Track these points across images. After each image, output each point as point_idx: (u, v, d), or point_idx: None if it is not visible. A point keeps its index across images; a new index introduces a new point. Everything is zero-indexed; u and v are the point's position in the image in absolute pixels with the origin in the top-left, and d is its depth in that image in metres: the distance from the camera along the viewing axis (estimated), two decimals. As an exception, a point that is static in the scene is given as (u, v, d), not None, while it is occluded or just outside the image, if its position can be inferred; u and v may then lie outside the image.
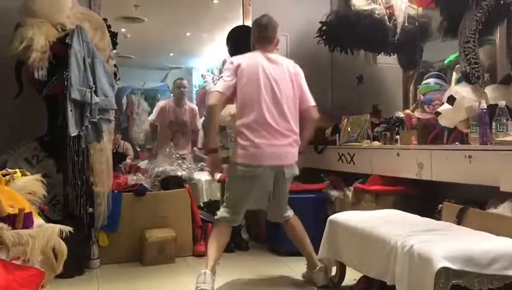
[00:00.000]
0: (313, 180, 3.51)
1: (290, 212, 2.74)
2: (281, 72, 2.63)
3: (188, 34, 5.28)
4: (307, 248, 2.67)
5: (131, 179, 3.43)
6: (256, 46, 2.71)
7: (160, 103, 5.11)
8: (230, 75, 2.57)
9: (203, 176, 4.26)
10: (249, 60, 2.61)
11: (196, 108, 5.21)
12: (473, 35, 2.57)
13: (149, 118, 5.21)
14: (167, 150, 3.81)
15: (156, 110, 5.08)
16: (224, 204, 2.64)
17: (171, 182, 3.46)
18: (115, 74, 3.18)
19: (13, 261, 1.38)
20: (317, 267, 2.60)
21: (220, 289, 2.55)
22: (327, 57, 4.04)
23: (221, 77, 2.61)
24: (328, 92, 4.22)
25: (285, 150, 2.58)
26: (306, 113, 2.75)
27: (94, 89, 2.82)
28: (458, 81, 2.75)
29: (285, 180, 2.62)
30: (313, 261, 2.63)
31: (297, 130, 2.65)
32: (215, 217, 2.64)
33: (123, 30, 4.80)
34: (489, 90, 2.51)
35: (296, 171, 2.67)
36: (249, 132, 2.52)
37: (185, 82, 4.95)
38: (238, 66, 2.57)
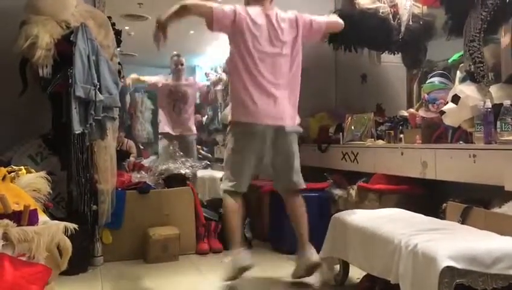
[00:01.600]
0: (316, 179, 3.51)
1: (298, 184, 2.68)
2: (280, 35, 2.62)
3: (191, 32, 5.27)
4: (303, 235, 2.64)
5: (135, 176, 3.44)
6: (251, 1, 2.67)
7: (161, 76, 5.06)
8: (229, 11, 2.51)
9: (206, 174, 4.27)
10: (250, 13, 2.57)
11: (197, 82, 5.24)
12: (478, 34, 2.56)
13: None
14: (171, 147, 3.81)
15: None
16: (224, 174, 2.63)
17: (174, 180, 3.46)
18: (119, 72, 3.18)
19: (19, 258, 1.38)
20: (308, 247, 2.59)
21: (223, 287, 2.55)
22: (331, 55, 4.04)
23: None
24: (332, 90, 4.22)
25: (285, 108, 2.57)
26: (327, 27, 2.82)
27: (98, 86, 2.82)
28: (462, 80, 2.74)
29: (287, 136, 2.59)
30: (303, 241, 2.62)
31: (296, 100, 2.66)
32: (222, 189, 2.63)
33: (127, 28, 4.81)
34: (494, 89, 2.50)
35: (300, 129, 2.67)
36: (246, 90, 2.51)
37: (182, 59, 4.97)
38: (239, 13, 2.53)
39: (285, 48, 2.62)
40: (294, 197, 2.69)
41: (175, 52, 4.99)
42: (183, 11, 2.52)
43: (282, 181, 2.72)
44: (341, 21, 2.87)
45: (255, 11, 2.60)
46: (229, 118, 2.67)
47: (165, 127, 4.87)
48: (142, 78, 5.12)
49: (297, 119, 2.70)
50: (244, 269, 2.46)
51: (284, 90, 2.61)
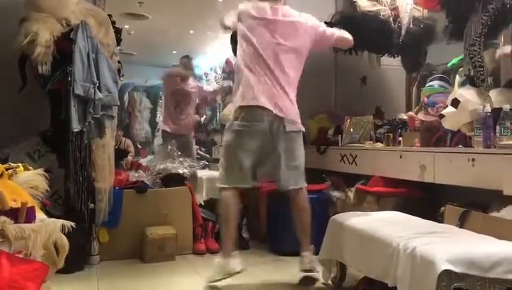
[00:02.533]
0: (314, 181, 3.50)
1: (298, 184, 2.62)
2: (289, 26, 2.65)
3: (191, 32, 5.28)
4: (305, 231, 2.60)
5: (133, 175, 3.43)
6: None
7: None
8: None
9: (204, 174, 4.26)
10: (257, 11, 2.62)
11: (202, 86, 5.23)
12: (478, 38, 2.56)
13: None
14: (169, 147, 3.81)
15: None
16: (221, 169, 2.60)
17: (172, 180, 3.46)
18: (119, 70, 3.18)
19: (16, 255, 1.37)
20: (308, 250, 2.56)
21: (220, 288, 2.54)
22: (331, 57, 4.03)
23: None
24: (331, 92, 4.21)
25: (284, 102, 2.57)
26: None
27: (98, 84, 2.82)
28: (462, 84, 2.75)
29: (287, 134, 2.55)
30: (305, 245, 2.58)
31: (294, 97, 2.65)
32: (219, 186, 2.59)
33: (127, 27, 4.81)
34: (493, 93, 2.50)
35: (302, 127, 2.64)
36: (246, 83, 2.54)
37: (192, 63, 4.96)
38: (243, 12, 2.63)
39: (289, 43, 2.63)
40: (294, 196, 2.64)
41: (186, 55, 4.97)
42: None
43: (279, 181, 2.64)
44: (351, 38, 2.93)
45: (261, 5, 2.64)
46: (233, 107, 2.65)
47: (164, 124, 4.87)
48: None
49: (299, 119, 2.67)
50: (233, 274, 2.44)
51: (285, 84, 2.61)
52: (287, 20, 2.65)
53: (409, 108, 3.69)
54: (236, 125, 2.54)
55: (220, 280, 2.44)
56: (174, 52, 5.68)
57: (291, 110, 2.60)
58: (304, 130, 2.70)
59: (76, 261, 2.77)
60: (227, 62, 5.72)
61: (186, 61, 4.91)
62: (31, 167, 2.09)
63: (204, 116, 6.32)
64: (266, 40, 2.58)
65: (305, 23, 2.72)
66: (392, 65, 4.06)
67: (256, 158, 2.56)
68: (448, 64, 3.29)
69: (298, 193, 2.63)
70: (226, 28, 2.86)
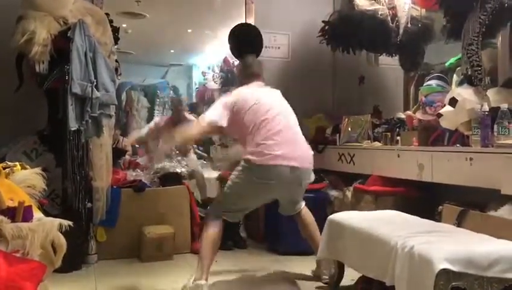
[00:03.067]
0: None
1: (301, 205, 2.70)
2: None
3: (189, 30, 5.26)
4: (316, 242, 2.59)
5: (131, 175, 3.43)
6: (245, 82, 2.68)
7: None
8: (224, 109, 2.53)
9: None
10: (247, 88, 2.61)
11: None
12: (476, 37, 2.57)
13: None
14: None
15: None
16: (223, 200, 2.57)
17: (170, 179, 3.45)
18: (116, 69, 3.17)
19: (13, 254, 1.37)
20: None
21: (217, 287, 2.54)
22: (329, 56, 4.04)
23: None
24: (329, 91, 4.22)
25: (305, 152, 2.55)
26: None
27: (95, 83, 2.81)
28: (459, 84, 2.75)
29: (301, 187, 2.58)
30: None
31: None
32: (211, 212, 2.57)
33: (124, 25, 4.78)
34: (491, 93, 2.51)
35: (312, 177, 2.64)
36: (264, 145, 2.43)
37: (182, 99, 4.90)
38: (236, 99, 2.55)
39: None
40: (299, 215, 2.69)
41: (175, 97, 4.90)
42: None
43: (286, 210, 2.71)
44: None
45: (251, 89, 2.62)
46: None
47: None
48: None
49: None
50: None
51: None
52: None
53: (406, 107, 3.70)
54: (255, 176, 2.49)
55: None
56: (172, 51, 5.66)
57: (309, 157, 2.60)
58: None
59: (73, 260, 2.76)
60: (225, 61, 5.71)
61: (178, 100, 4.87)
62: (28, 166, 2.08)
63: (204, 112, 6.30)
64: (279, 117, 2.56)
65: None
66: (390, 64, 4.07)
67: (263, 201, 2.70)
68: (446, 64, 3.30)
69: (303, 210, 2.70)
70: None
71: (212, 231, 2.48)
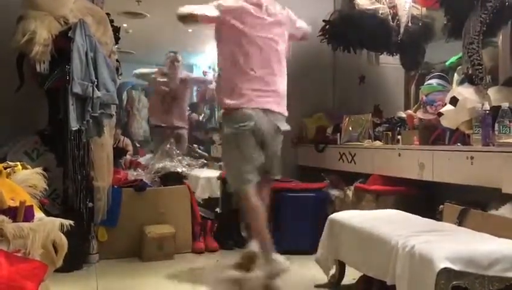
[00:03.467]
0: (313, 179, 3.51)
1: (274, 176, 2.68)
2: (271, 23, 2.60)
3: (190, 30, 5.25)
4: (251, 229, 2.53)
5: (131, 174, 3.43)
6: None
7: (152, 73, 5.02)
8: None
9: (202, 173, 4.26)
10: (237, 4, 2.54)
11: (191, 75, 5.17)
12: (477, 36, 2.57)
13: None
14: (167, 146, 3.80)
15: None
16: (231, 172, 2.56)
17: (171, 178, 3.45)
18: (117, 69, 3.17)
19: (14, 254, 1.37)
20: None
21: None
22: (330, 56, 4.04)
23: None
24: (330, 91, 4.22)
25: (279, 98, 2.56)
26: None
27: (96, 83, 2.81)
28: (460, 83, 2.75)
29: (277, 135, 2.57)
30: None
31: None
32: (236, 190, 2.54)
33: (125, 25, 4.79)
34: (492, 91, 2.51)
35: (288, 127, 2.63)
36: (240, 79, 2.47)
37: (179, 57, 4.92)
38: (230, 11, 2.51)
39: (276, 35, 2.61)
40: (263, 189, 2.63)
41: (172, 50, 4.95)
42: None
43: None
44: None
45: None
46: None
47: (155, 119, 4.85)
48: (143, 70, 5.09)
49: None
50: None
51: (279, 77, 2.59)
52: (271, 14, 2.63)
53: (407, 106, 3.69)
54: (235, 125, 2.52)
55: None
56: (172, 50, 5.67)
57: (284, 105, 2.64)
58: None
59: (75, 260, 2.76)
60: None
61: (173, 56, 4.89)
62: (29, 166, 2.08)
63: (203, 115, 6.30)
64: (253, 32, 2.56)
65: (286, 15, 2.76)
66: (390, 64, 4.07)
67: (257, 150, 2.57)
68: (447, 63, 3.29)
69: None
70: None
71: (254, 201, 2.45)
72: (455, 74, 3.08)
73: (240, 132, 2.45)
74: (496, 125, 2.27)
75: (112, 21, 3.23)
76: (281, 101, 2.60)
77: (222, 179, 3.64)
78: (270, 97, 2.54)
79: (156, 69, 5.08)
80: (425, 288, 1.69)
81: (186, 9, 2.55)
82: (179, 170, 3.51)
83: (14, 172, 1.93)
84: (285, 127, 2.62)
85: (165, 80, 4.83)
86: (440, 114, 2.62)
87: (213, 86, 5.48)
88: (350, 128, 3.51)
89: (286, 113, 2.62)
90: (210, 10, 2.53)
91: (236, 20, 2.51)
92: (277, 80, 2.58)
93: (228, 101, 2.49)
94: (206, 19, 2.55)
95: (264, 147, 2.53)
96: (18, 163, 2.04)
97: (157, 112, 4.82)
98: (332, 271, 2.54)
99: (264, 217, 2.47)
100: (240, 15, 2.52)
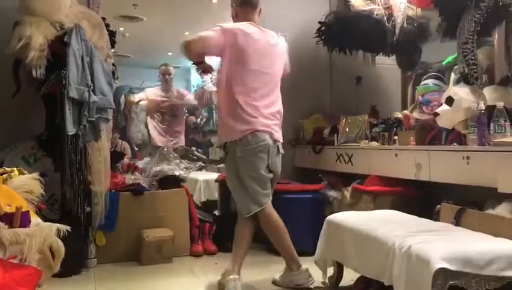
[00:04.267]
0: (311, 181, 3.51)
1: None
2: (273, 47, 2.61)
3: (186, 33, 5.25)
4: (286, 245, 2.59)
5: (129, 178, 3.42)
6: (240, 13, 2.64)
7: (148, 92, 5.04)
8: (219, 35, 2.50)
9: (200, 176, 4.26)
10: (245, 30, 2.52)
11: (185, 92, 5.17)
12: (471, 36, 2.57)
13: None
14: (165, 149, 3.80)
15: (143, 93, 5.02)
16: (246, 193, 2.53)
17: (168, 182, 3.45)
18: (113, 73, 3.17)
19: (10, 260, 1.37)
20: (301, 268, 2.56)
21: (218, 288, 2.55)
22: (326, 57, 4.04)
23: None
24: (326, 92, 4.23)
25: (276, 128, 2.58)
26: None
27: (92, 87, 2.81)
28: (457, 82, 2.75)
29: (279, 156, 2.60)
30: (295, 260, 2.58)
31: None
32: (245, 215, 2.56)
33: (121, 29, 4.79)
34: (487, 91, 2.51)
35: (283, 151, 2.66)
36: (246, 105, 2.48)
37: (170, 69, 4.92)
38: (234, 32, 2.49)
39: (275, 68, 2.63)
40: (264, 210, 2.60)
41: (164, 63, 4.95)
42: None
43: None
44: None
45: (249, 27, 2.55)
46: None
47: (155, 139, 4.84)
48: (133, 98, 5.11)
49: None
50: None
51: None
52: (272, 45, 2.63)
53: (404, 107, 3.70)
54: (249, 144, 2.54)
55: None
56: (170, 53, 5.67)
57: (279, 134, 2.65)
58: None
59: (73, 264, 2.76)
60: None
61: (165, 69, 4.89)
62: (26, 171, 2.09)
63: (200, 117, 6.31)
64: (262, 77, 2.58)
65: (284, 48, 2.75)
66: (387, 64, 4.08)
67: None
68: (443, 62, 3.30)
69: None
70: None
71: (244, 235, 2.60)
72: (452, 74, 3.09)
73: (257, 151, 2.49)
74: (491, 124, 2.27)
75: (107, 25, 3.23)
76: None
77: (220, 182, 3.64)
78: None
79: (142, 93, 5.06)
80: (422, 288, 1.69)
81: None
82: (177, 173, 3.51)
83: (11, 177, 1.94)
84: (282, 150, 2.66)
85: (162, 95, 4.82)
86: (436, 114, 2.63)
87: (210, 89, 5.50)
88: (347, 129, 3.51)
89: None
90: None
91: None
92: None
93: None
94: None
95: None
96: (15, 168, 2.05)
97: (158, 133, 4.81)
98: (331, 272, 2.55)
99: (286, 230, 2.58)
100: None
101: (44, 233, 1.55)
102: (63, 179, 2.93)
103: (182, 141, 4.90)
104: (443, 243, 1.82)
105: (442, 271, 1.66)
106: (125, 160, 4.10)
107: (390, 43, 3.55)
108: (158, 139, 4.77)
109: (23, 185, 1.91)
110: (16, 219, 1.56)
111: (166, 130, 4.77)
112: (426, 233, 1.98)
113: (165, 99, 4.80)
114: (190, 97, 5.25)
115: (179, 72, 5.77)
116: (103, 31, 3.12)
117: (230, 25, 2.58)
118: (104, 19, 3.23)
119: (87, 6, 3.36)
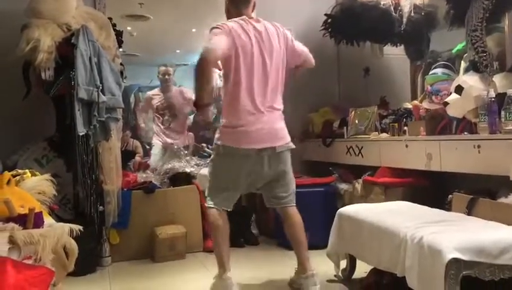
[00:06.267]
0: (321, 174, 3.51)
1: (290, 201, 2.48)
2: (270, 40, 2.36)
3: (193, 30, 5.26)
4: (302, 249, 2.43)
5: (141, 176, 3.45)
6: (232, 9, 2.45)
7: (149, 93, 5.03)
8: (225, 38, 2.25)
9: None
10: (240, 28, 2.30)
11: (186, 90, 5.12)
12: (480, 23, 2.54)
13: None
14: (175, 147, 3.82)
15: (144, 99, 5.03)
16: (208, 192, 2.42)
17: (179, 179, 3.48)
18: (122, 73, 3.19)
19: (25, 261, 1.39)
20: (308, 273, 2.37)
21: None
22: (333, 49, 4.02)
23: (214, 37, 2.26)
24: (335, 84, 4.20)
25: (276, 126, 2.35)
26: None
27: (101, 88, 2.84)
28: (466, 70, 2.72)
29: (279, 157, 2.36)
30: (306, 265, 2.40)
31: (281, 105, 2.43)
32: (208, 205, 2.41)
33: (129, 28, 4.82)
34: (497, 78, 2.48)
35: (291, 145, 2.42)
36: (237, 110, 2.30)
37: (169, 69, 4.90)
38: (230, 31, 2.27)
39: (274, 61, 2.39)
40: (286, 211, 2.50)
41: (163, 64, 4.93)
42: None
43: (269, 200, 2.56)
44: (313, 61, 2.65)
45: (241, 24, 2.34)
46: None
47: (156, 140, 4.85)
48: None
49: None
50: None
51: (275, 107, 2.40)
52: (270, 39, 2.40)
53: (414, 97, 3.66)
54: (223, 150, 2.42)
55: None
56: (178, 51, 5.69)
57: (282, 133, 2.45)
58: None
59: (88, 263, 2.80)
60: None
61: (164, 70, 4.88)
62: (38, 173, 2.12)
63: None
64: (259, 74, 2.36)
65: (283, 36, 2.47)
66: (395, 54, 4.03)
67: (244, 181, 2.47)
68: (453, 51, 3.25)
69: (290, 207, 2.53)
70: None
71: (217, 231, 2.40)
72: (462, 62, 3.05)
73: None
74: (502, 112, 2.24)
75: (114, 25, 3.25)
76: None
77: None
78: None
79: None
80: (434, 279, 1.68)
81: None
82: (188, 170, 3.53)
83: (23, 179, 1.97)
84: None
85: (161, 96, 4.82)
86: (446, 103, 2.60)
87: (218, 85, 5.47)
88: (357, 122, 3.49)
89: None
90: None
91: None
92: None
93: None
94: None
95: None
96: (27, 170, 2.08)
97: (159, 133, 4.81)
98: (343, 265, 2.55)
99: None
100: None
101: (58, 233, 1.57)
102: (76, 179, 2.96)
103: (182, 141, 4.86)
104: (455, 233, 1.81)
105: (454, 261, 1.65)
106: (137, 158, 4.13)
107: (398, 33, 3.52)
108: (158, 139, 4.77)
109: (35, 187, 1.94)
110: (29, 220, 1.59)
111: (167, 130, 4.77)
112: (438, 223, 1.97)
113: (163, 100, 4.80)
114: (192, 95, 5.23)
115: (187, 70, 5.78)
116: (110, 31, 3.13)
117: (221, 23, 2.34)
118: (110, 19, 3.25)
119: (93, 7, 3.38)
